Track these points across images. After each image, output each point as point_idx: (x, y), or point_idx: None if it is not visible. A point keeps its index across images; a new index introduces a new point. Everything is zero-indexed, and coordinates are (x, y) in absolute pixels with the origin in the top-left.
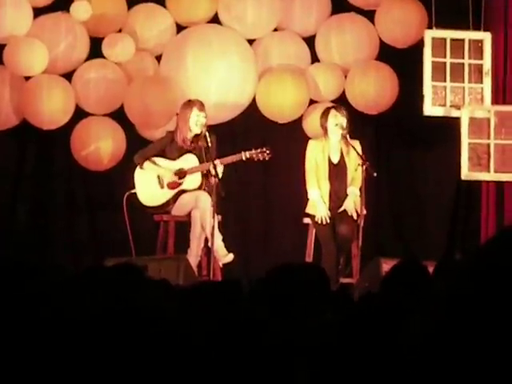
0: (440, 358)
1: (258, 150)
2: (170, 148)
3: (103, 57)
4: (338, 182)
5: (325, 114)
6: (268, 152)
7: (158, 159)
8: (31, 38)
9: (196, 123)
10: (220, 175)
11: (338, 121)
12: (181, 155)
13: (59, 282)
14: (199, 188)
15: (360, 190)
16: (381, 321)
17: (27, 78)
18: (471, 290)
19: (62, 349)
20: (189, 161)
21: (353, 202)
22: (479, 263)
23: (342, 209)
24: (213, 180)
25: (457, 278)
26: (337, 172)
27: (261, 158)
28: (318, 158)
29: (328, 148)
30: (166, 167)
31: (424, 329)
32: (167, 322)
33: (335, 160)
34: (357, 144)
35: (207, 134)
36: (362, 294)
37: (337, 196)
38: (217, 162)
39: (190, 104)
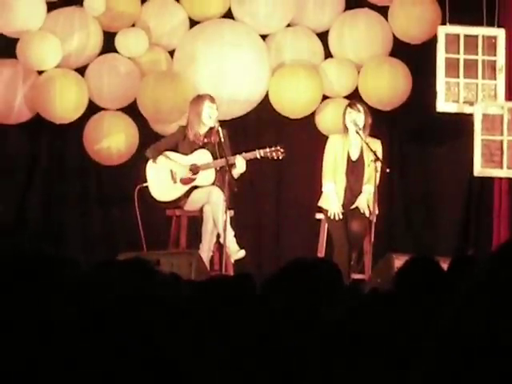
0: (455, 363)
1: (273, 149)
2: (182, 143)
3: (116, 51)
4: (354, 178)
5: (344, 111)
6: (282, 151)
7: (170, 153)
8: (44, 32)
9: (209, 116)
10: (243, 169)
11: (351, 117)
12: (193, 150)
13: (74, 276)
14: (212, 184)
15: (374, 188)
16: (394, 317)
17: (40, 73)
18: (488, 296)
19: (76, 340)
20: (202, 156)
21: (366, 200)
22: (496, 270)
23: (354, 205)
24: (226, 176)
25: (473, 284)
26: (354, 169)
27: (275, 157)
28: (337, 152)
29: (348, 144)
30: (179, 162)
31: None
32: (178, 314)
33: (354, 157)
34: (377, 143)
35: (220, 128)
36: (372, 289)
37: (352, 192)
38: (239, 156)
39: (200, 98)
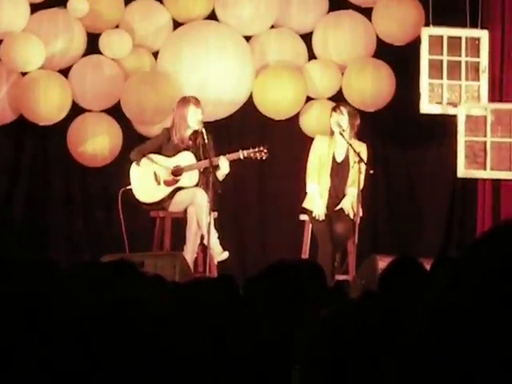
0: (437, 355)
1: (256, 149)
2: (166, 145)
3: (100, 53)
4: (338, 179)
5: (330, 113)
6: (265, 151)
7: (154, 156)
8: (28, 33)
9: (194, 120)
10: (227, 170)
11: (335, 119)
12: (177, 152)
13: (52, 278)
14: (196, 185)
15: (358, 190)
16: (379, 317)
17: (24, 74)
18: (469, 286)
19: (55, 344)
20: (186, 158)
21: (350, 202)
22: (476, 258)
23: (338, 207)
24: (210, 177)
25: (454, 273)
26: (339, 170)
27: (258, 157)
28: (322, 154)
29: (334, 146)
30: (162, 164)
31: (421, 326)
32: (162, 316)
33: (339, 158)
34: (363, 147)
35: (204, 130)
36: (360, 291)
37: (336, 194)
38: (222, 157)
39: (186, 101)
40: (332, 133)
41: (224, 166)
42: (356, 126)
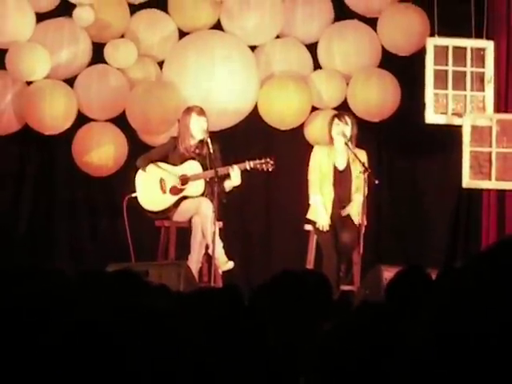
0: (441, 363)
1: (262, 161)
2: (172, 154)
3: (105, 62)
4: (341, 188)
5: (330, 121)
6: (272, 163)
7: (161, 164)
8: (34, 43)
9: (197, 128)
10: (238, 182)
11: (340, 129)
12: (183, 162)
13: (59, 286)
14: (202, 195)
15: (363, 198)
16: (384, 328)
17: (29, 83)
18: (473, 295)
19: (59, 352)
20: (191, 167)
21: (356, 207)
22: (480, 269)
23: (345, 213)
24: (215, 187)
25: (458, 283)
26: (341, 179)
27: (264, 169)
28: (322, 164)
29: (334, 155)
30: (169, 172)
31: (425, 334)
32: (167, 325)
33: (341, 167)
34: (363, 154)
35: (209, 140)
36: (362, 300)
37: (339, 203)
38: (235, 167)
39: (188, 110)
40: (331, 141)
41: (235, 176)
42: (356, 135)
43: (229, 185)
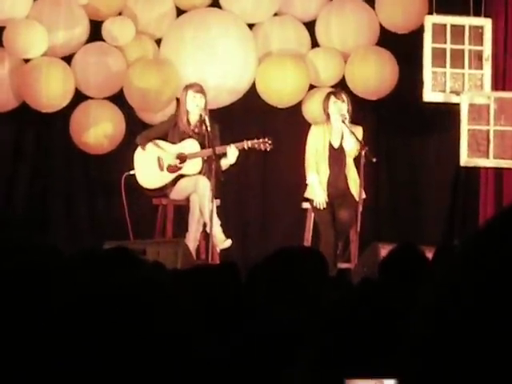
0: (437, 344)
1: (261, 140)
2: (172, 131)
3: (103, 40)
4: (337, 166)
5: (326, 99)
6: (270, 142)
7: (159, 142)
8: (31, 20)
9: (193, 106)
10: (233, 161)
11: (337, 107)
12: (182, 139)
13: (53, 263)
14: (199, 173)
15: (359, 174)
16: (379, 305)
17: (26, 61)
18: (470, 272)
19: (55, 326)
20: (190, 146)
21: (354, 183)
22: (479, 244)
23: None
24: (213, 165)
25: (456, 260)
26: (337, 156)
27: (262, 148)
28: (318, 143)
29: (329, 133)
30: (167, 150)
31: (422, 314)
32: (162, 300)
33: (336, 145)
34: (359, 130)
35: (206, 118)
36: (360, 279)
37: (336, 181)
38: (233, 146)
39: (186, 88)
40: (328, 119)
41: (232, 155)
42: (350, 112)
43: (225, 163)
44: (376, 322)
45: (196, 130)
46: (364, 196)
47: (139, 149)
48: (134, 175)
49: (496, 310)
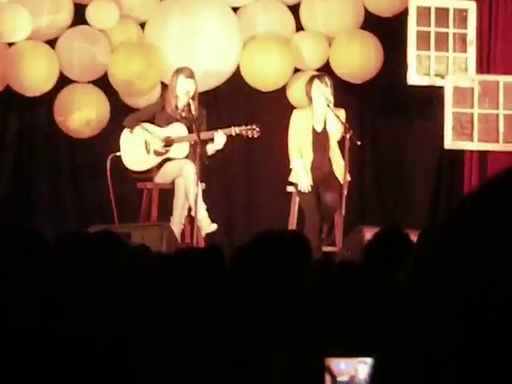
0: (415, 320)
1: (248, 127)
2: (159, 115)
3: (87, 24)
4: (321, 150)
5: (309, 83)
6: (257, 129)
7: (147, 125)
8: (15, 4)
9: (183, 90)
10: (221, 147)
11: (321, 91)
12: (170, 123)
13: (38, 247)
14: (185, 157)
15: (344, 157)
16: (362, 288)
17: (10, 45)
18: (439, 257)
19: (39, 311)
20: (177, 129)
21: (339, 166)
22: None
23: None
24: (198, 148)
25: (433, 236)
26: (320, 140)
27: (250, 135)
28: (301, 128)
29: (312, 117)
30: (154, 133)
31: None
32: (146, 282)
33: (319, 128)
34: (342, 113)
35: (191, 102)
36: (342, 261)
37: (320, 165)
38: (221, 132)
39: (177, 72)
40: (310, 103)
41: (219, 141)
42: (334, 96)
43: (212, 148)
44: (355, 303)
45: (183, 114)
46: (349, 179)
47: (126, 131)
48: (119, 157)
49: (466, 288)
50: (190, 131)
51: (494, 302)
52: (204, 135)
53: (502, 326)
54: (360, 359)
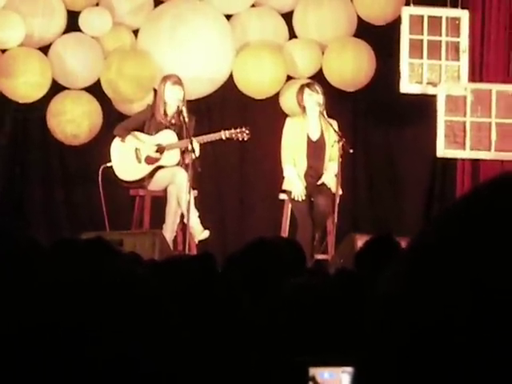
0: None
1: (238, 130)
2: (149, 122)
3: (80, 30)
4: (315, 159)
5: (299, 92)
6: (247, 132)
7: (137, 133)
8: (7, 10)
9: (171, 97)
10: (197, 153)
11: (313, 99)
12: (159, 131)
13: (30, 253)
14: (177, 164)
15: (338, 167)
16: (353, 295)
17: (3, 51)
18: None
19: (32, 316)
20: (167, 137)
21: (332, 176)
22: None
23: (320, 181)
24: (189, 157)
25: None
26: (315, 149)
27: (240, 138)
28: (295, 135)
29: (307, 125)
30: (144, 141)
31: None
32: (139, 289)
33: (315, 137)
34: (334, 123)
35: (183, 109)
36: (336, 269)
37: (314, 173)
38: (194, 140)
39: (164, 79)
40: (303, 111)
41: (195, 149)
42: (325, 104)
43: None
44: (343, 312)
45: (173, 121)
46: (341, 192)
47: (116, 140)
48: (111, 167)
49: (455, 295)
50: (180, 138)
51: (485, 308)
52: (185, 143)
53: (491, 332)
54: (344, 368)
